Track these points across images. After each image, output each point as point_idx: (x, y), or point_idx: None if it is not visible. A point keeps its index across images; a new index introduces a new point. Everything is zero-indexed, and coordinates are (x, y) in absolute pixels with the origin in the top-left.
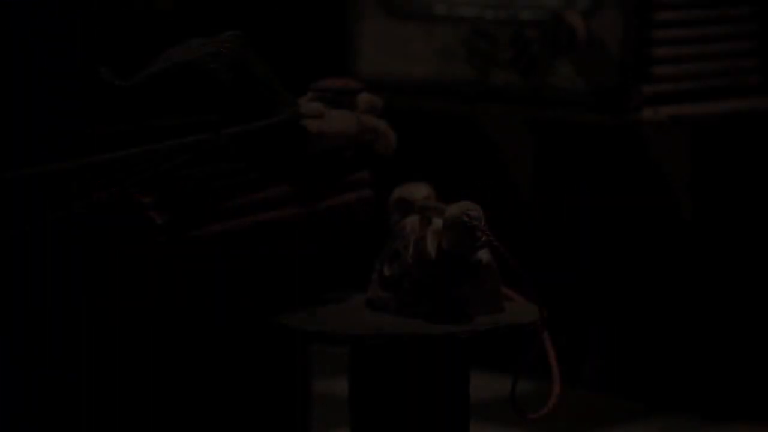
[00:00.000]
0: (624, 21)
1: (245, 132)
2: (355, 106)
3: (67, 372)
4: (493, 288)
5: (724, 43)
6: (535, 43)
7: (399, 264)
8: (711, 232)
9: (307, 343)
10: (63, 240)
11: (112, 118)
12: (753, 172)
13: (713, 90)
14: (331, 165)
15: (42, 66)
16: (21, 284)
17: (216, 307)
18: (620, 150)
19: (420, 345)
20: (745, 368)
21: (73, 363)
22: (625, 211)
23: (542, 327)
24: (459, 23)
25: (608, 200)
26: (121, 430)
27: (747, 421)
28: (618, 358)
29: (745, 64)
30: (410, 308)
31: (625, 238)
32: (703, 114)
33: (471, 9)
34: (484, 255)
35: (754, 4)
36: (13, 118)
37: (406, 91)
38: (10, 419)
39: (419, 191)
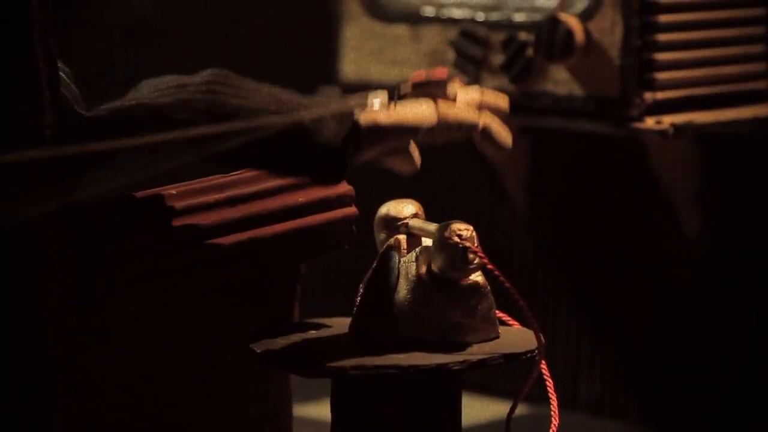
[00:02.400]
0: (624, 24)
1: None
2: (446, 95)
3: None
4: (487, 312)
5: (732, 47)
6: (529, 48)
7: (385, 287)
8: (719, 250)
9: (287, 373)
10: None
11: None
12: (765, 185)
13: (720, 97)
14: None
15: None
16: None
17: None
18: (621, 161)
19: (408, 378)
20: (754, 389)
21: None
22: (626, 226)
23: (540, 356)
24: (448, 26)
25: (608, 213)
26: None
27: None
28: (617, 380)
29: (755, 69)
30: (398, 335)
31: (626, 255)
32: (710, 122)
33: (461, 11)
34: (477, 277)
35: (766, 6)
36: None
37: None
38: None
39: (407, 209)
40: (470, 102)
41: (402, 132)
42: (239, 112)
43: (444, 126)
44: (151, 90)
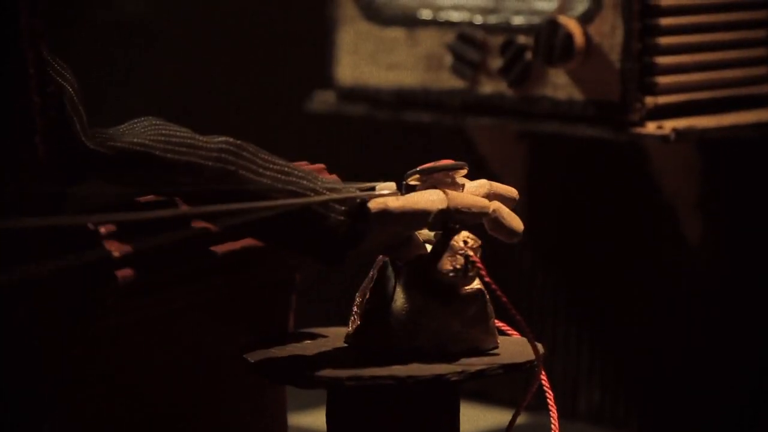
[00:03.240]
0: (625, 27)
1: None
2: (454, 183)
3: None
4: (486, 322)
5: (734, 50)
6: (528, 51)
7: (382, 295)
8: (720, 257)
9: (282, 384)
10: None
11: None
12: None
13: (723, 102)
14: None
15: None
16: None
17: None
18: (621, 167)
19: (405, 389)
20: (756, 398)
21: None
22: (626, 233)
23: (540, 368)
24: (445, 29)
25: (608, 221)
26: None
27: None
28: (617, 389)
29: (758, 73)
30: (394, 344)
31: (627, 262)
32: (712, 127)
33: (458, 14)
34: (476, 286)
35: None
36: None
37: (388, 101)
38: None
39: None
40: (479, 189)
41: (411, 218)
42: (247, 187)
43: (454, 212)
44: (160, 137)
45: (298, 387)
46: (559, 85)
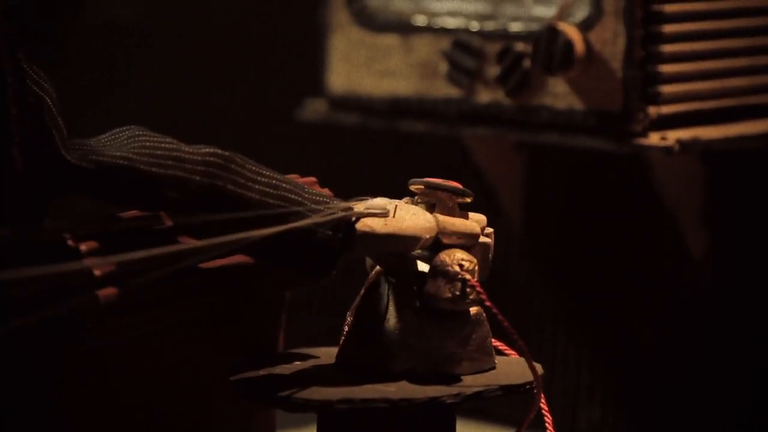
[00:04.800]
0: (627, 34)
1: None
2: (453, 209)
3: None
4: (483, 341)
5: (741, 58)
6: (526, 59)
7: (374, 314)
8: (725, 272)
9: (271, 407)
10: None
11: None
12: None
13: (728, 111)
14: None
15: None
16: None
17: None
18: (623, 179)
19: (398, 412)
20: (761, 415)
21: None
22: (629, 247)
23: (539, 392)
24: (440, 36)
25: (609, 235)
26: None
27: None
28: (618, 407)
29: (765, 82)
30: (387, 366)
31: (628, 277)
32: (717, 138)
33: (454, 20)
34: (472, 306)
35: None
36: None
37: (382, 110)
38: None
39: None
40: (480, 222)
41: (398, 243)
42: (235, 202)
43: (443, 237)
44: (144, 150)
45: (287, 411)
46: (559, 94)
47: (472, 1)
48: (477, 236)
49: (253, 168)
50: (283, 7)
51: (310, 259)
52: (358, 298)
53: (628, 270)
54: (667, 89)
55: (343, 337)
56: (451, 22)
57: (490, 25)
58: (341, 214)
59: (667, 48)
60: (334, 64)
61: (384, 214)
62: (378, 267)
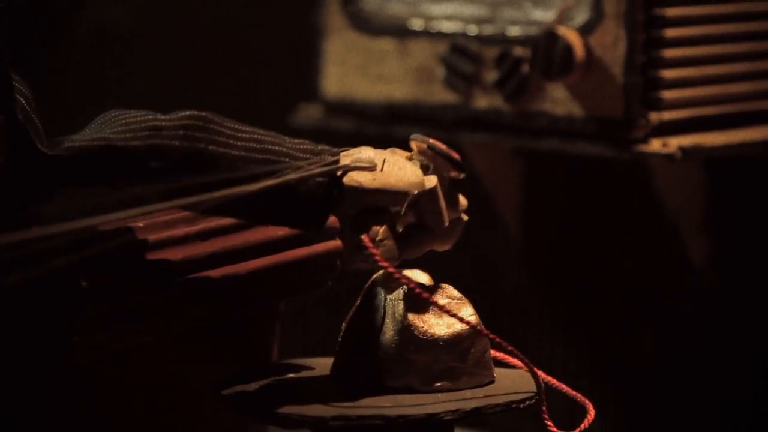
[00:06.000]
0: (628, 39)
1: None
2: (445, 180)
3: None
4: (481, 355)
5: (743, 63)
6: (525, 64)
7: (370, 327)
8: (727, 280)
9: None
10: None
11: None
12: None
13: (730, 118)
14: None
15: None
16: None
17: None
18: (623, 187)
19: (395, 429)
20: (764, 423)
21: None
22: (629, 255)
23: (542, 401)
24: (437, 40)
25: (609, 243)
26: None
27: None
28: (619, 417)
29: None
30: (383, 379)
31: (629, 287)
32: (720, 145)
33: (451, 24)
34: (471, 318)
35: None
36: None
37: (378, 115)
38: None
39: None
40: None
41: (384, 198)
42: (219, 162)
43: (428, 198)
44: (121, 127)
45: (280, 427)
46: (558, 99)
47: (470, 4)
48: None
49: (233, 125)
50: (277, 11)
51: (300, 212)
52: (353, 310)
53: (629, 277)
54: (668, 95)
55: (337, 349)
56: (448, 26)
57: (488, 29)
58: (329, 167)
59: (669, 53)
60: (328, 69)
61: (372, 168)
62: (373, 277)
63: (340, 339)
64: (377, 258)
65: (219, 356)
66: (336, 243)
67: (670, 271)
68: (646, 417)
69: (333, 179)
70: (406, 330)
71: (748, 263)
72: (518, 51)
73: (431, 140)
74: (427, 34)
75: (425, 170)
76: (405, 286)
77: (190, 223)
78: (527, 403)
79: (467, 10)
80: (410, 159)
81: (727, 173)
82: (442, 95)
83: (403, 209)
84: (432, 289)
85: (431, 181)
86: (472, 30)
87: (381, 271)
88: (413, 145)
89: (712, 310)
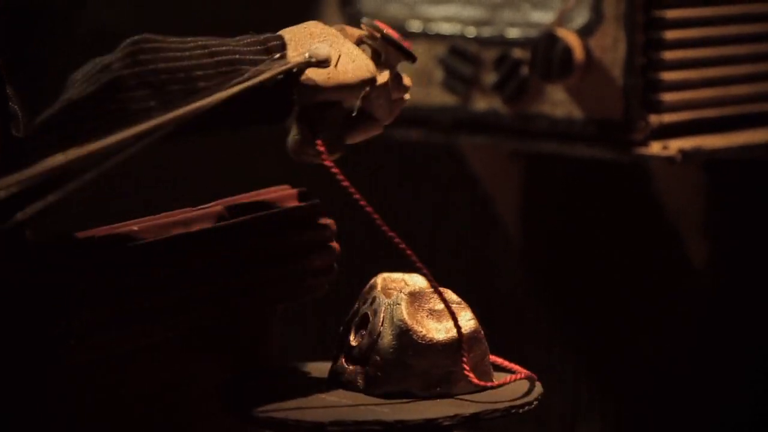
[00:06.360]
0: (628, 41)
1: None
2: (395, 69)
3: None
4: (480, 360)
5: (744, 65)
6: (524, 66)
7: (368, 332)
8: (727, 283)
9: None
10: None
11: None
12: None
13: (731, 120)
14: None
15: None
16: None
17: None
18: (623, 189)
19: None
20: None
21: None
22: (628, 259)
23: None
24: (436, 42)
25: (609, 246)
26: None
27: None
28: (618, 422)
29: None
30: (381, 385)
31: (628, 289)
32: (720, 147)
33: (450, 26)
34: (470, 323)
35: None
36: None
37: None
38: None
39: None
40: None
41: (340, 93)
42: (175, 76)
43: (379, 92)
44: (81, 81)
45: None
46: (558, 102)
47: (469, 6)
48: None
49: (174, 39)
50: (276, 12)
51: (261, 110)
52: (351, 313)
53: (628, 279)
54: (668, 97)
55: (336, 353)
56: (446, 28)
57: (486, 31)
58: (284, 67)
59: (669, 55)
60: None
61: (326, 64)
62: (372, 282)
63: (337, 343)
64: (324, 158)
65: (216, 360)
66: (333, 246)
67: (669, 273)
68: (645, 417)
69: (289, 78)
70: (404, 334)
71: (748, 265)
72: (517, 53)
73: (384, 28)
74: (425, 36)
75: (376, 57)
76: (404, 291)
77: (186, 225)
78: (526, 408)
79: (466, 12)
80: (361, 42)
81: (727, 176)
82: (441, 97)
83: (356, 104)
84: (431, 294)
85: (384, 76)
86: (471, 32)
87: (380, 275)
88: (364, 28)
89: (711, 311)
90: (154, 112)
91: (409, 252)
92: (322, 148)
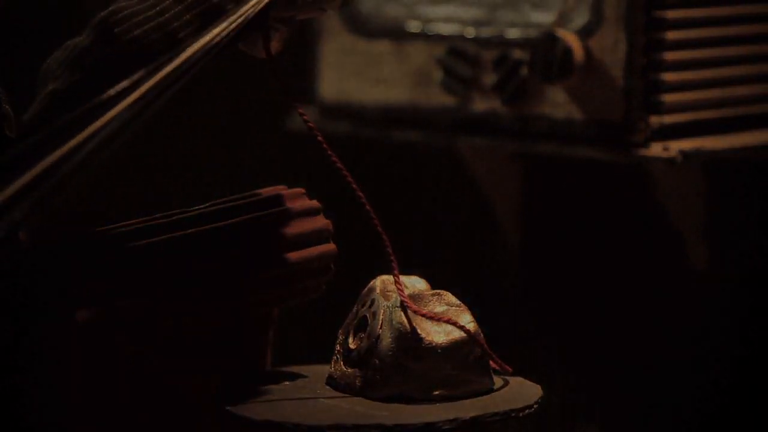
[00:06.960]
0: (628, 41)
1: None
2: None
3: None
4: (480, 362)
5: (746, 66)
6: (523, 67)
7: (367, 335)
8: (728, 284)
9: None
10: None
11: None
12: None
13: (732, 121)
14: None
15: None
16: None
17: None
18: (624, 191)
19: None
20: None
21: None
22: (630, 260)
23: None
24: (435, 42)
25: (609, 248)
26: None
27: None
28: (619, 428)
29: None
30: (379, 389)
31: (629, 292)
32: (721, 149)
33: (449, 26)
34: (470, 325)
35: None
36: None
37: (374, 118)
38: None
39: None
40: None
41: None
42: (153, 37)
43: None
44: (58, 69)
45: None
46: (557, 103)
47: (468, 6)
48: None
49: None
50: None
51: (250, 35)
52: (350, 316)
53: (629, 283)
54: (669, 98)
55: (334, 357)
56: (445, 29)
57: (486, 32)
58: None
59: (670, 56)
60: (324, 71)
61: None
62: (371, 284)
63: (336, 346)
64: (310, 125)
65: (213, 364)
66: (331, 247)
67: (670, 274)
68: (646, 420)
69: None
70: (403, 337)
71: (749, 267)
72: (517, 54)
73: None
74: (424, 36)
75: None
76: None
77: (183, 226)
78: (527, 411)
79: (465, 13)
80: None
81: (729, 177)
82: (439, 98)
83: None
84: (430, 296)
85: None
86: (470, 32)
87: (379, 278)
88: None
89: (711, 312)
90: (144, 82)
91: (384, 236)
92: (306, 117)
